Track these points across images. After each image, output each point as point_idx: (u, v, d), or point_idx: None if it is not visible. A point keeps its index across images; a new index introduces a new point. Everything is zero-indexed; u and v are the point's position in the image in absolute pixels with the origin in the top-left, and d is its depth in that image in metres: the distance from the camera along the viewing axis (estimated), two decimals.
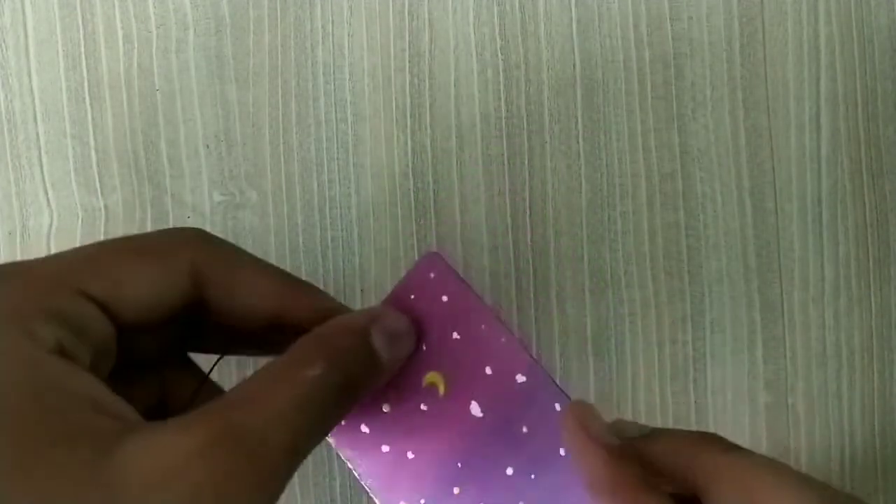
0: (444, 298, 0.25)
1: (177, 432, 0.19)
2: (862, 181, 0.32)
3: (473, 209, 0.31)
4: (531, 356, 0.24)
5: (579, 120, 0.31)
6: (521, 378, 0.24)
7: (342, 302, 0.26)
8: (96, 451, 0.18)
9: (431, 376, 0.25)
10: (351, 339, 0.23)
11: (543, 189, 0.31)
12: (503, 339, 0.24)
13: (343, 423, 0.25)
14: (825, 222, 0.32)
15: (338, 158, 0.31)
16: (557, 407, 0.24)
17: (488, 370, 0.24)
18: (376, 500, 0.25)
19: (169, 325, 0.24)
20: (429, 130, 0.31)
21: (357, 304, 0.31)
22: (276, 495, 0.20)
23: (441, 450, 0.25)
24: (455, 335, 0.25)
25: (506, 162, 0.31)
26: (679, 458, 0.23)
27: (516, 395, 0.24)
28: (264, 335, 0.25)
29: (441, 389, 0.25)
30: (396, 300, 0.25)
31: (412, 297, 0.25)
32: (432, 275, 0.25)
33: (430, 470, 0.25)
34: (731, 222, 0.31)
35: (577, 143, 0.31)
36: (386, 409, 0.25)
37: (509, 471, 0.24)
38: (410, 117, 0.31)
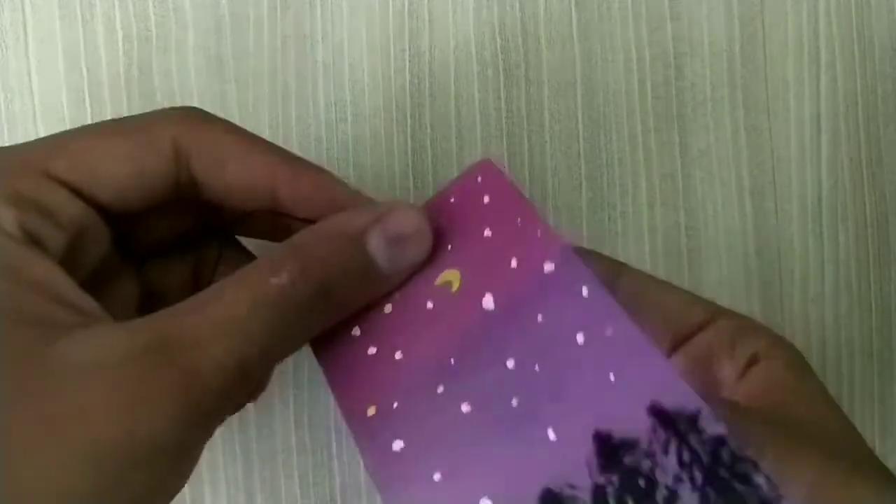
0: (486, 199, 0.22)
1: (120, 332, 0.18)
2: (862, 181, 0.32)
3: None
4: (566, 243, 0.20)
5: (579, 120, 0.31)
6: (549, 266, 0.20)
7: None
8: (41, 339, 0.17)
9: (448, 274, 0.22)
10: (335, 245, 0.20)
11: (543, 189, 0.31)
12: (539, 232, 0.20)
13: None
14: (825, 222, 0.32)
15: (338, 158, 0.31)
16: (585, 291, 0.19)
17: (513, 262, 0.21)
18: (340, 411, 0.21)
19: (166, 210, 0.22)
20: (429, 130, 0.31)
21: None
22: (204, 428, 0.18)
23: (436, 346, 0.21)
24: (487, 232, 0.21)
25: (506, 162, 0.31)
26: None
27: (539, 284, 0.20)
28: (267, 222, 0.23)
29: (455, 286, 0.21)
30: (434, 206, 0.22)
31: (451, 199, 0.22)
32: (479, 178, 0.22)
33: (415, 369, 0.21)
34: (731, 222, 0.31)
35: (577, 143, 0.31)
36: (388, 309, 0.22)
37: (510, 363, 0.20)
38: (410, 117, 0.31)
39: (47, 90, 0.31)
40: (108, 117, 0.30)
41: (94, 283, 0.21)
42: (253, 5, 0.31)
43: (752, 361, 0.23)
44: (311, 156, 0.31)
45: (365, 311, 0.22)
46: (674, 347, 0.24)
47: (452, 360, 0.20)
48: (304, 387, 0.31)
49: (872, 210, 0.32)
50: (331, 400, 0.30)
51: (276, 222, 0.23)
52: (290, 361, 0.31)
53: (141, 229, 0.23)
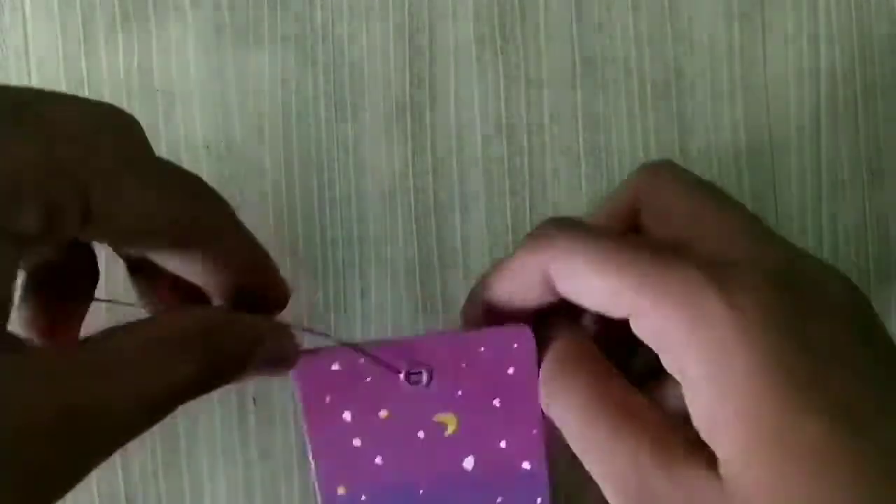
0: (511, 370, 0.24)
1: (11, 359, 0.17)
2: (862, 181, 0.32)
3: (473, 209, 0.31)
4: (546, 454, 0.25)
5: (579, 120, 0.31)
6: (526, 465, 0.25)
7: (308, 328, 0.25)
8: None
9: (447, 417, 0.25)
10: (241, 349, 0.21)
11: (543, 189, 0.31)
12: (535, 431, 0.24)
13: (327, 404, 0.24)
14: (825, 222, 0.32)
15: (338, 158, 0.31)
16: (539, 501, 0.25)
17: (503, 444, 0.25)
18: (314, 476, 0.24)
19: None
20: (429, 130, 0.31)
21: (357, 305, 0.31)
22: (101, 445, 0.18)
23: (412, 471, 0.25)
24: (496, 402, 0.24)
25: (506, 162, 0.31)
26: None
27: (512, 477, 0.25)
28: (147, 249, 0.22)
29: (449, 430, 0.25)
30: (462, 341, 0.24)
31: (482, 349, 0.24)
32: (515, 345, 0.24)
33: (389, 478, 0.25)
34: None
35: (577, 143, 0.31)
36: (383, 414, 0.24)
37: None
38: (410, 117, 0.31)
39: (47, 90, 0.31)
40: None
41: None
42: (253, 5, 0.31)
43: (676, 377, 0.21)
44: (311, 156, 0.31)
45: (360, 403, 0.24)
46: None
47: (421, 491, 0.25)
48: None
49: (872, 210, 0.32)
50: None
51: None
52: None
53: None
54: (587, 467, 0.22)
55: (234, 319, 0.21)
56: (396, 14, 0.31)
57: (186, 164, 0.31)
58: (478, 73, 0.31)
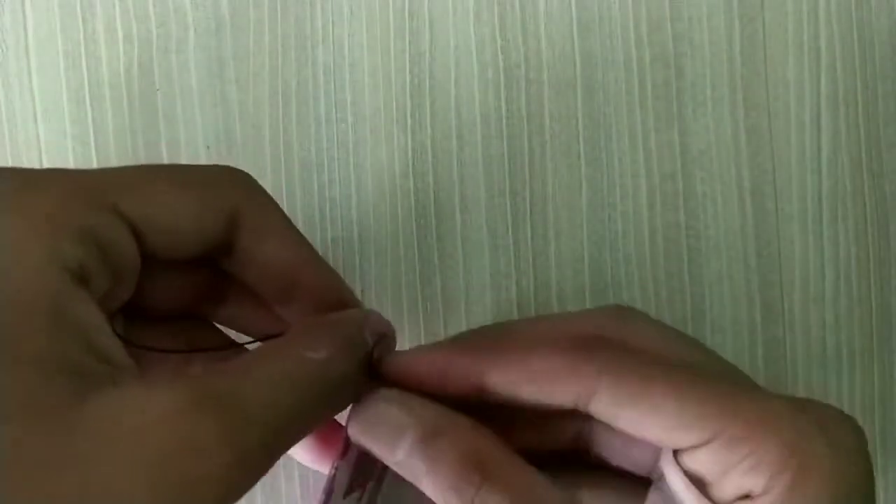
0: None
1: (158, 388, 0.17)
2: (862, 181, 0.32)
3: (473, 209, 0.31)
4: None
5: (579, 120, 0.31)
6: None
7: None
8: (74, 394, 0.16)
9: None
10: (354, 330, 0.22)
11: (543, 189, 0.31)
12: None
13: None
14: (825, 222, 0.32)
15: (338, 158, 0.31)
16: None
17: None
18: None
19: (194, 268, 0.22)
20: (429, 130, 0.31)
21: None
22: (252, 475, 0.18)
23: None
24: None
25: (506, 162, 0.31)
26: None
27: None
28: (274, 300, 0.24)
29: None
30: None
31: None
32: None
33: None
34: (731, 222, 0.31)
35: (577, 143, 0.31)
36: None
37: None
38: (410, 117, 0.31)
39: (47, 90, 0.31)
40: (109, 117, 0.31)
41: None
42: (253, 5, 0.31)
43: (743, 497, 0.20)
44: (311, 155, 0.31)
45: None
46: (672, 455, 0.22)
47: None
48: None
49: (872, 210, 0.32)
50: None
51: (264, 311, 0.24)
52: None
53: (166, 282, 0.23)
54: None
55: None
56: (396, 14, 0.31)
57: (186, 163, 0.31)
58: (478, 72, 0.31)
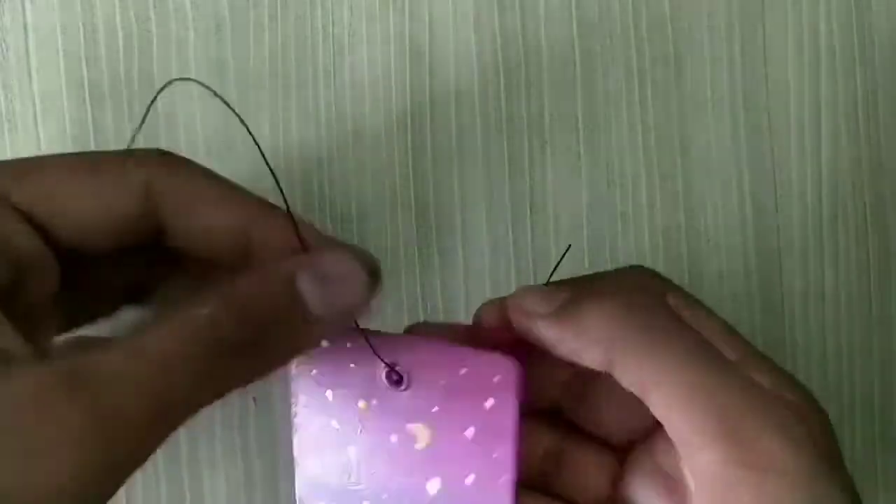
0: (488, 404, 0.23)
1: (26, 370, 0.16)
2: (862, 181, 0.32)
3: (473, 209, 0.31)
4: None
5: (579, 120, 0.31)
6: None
7: None
8: None
9: (421, 429, 0.24)
10: (262, 284, 0.19)
11: (543, 189, 0.31)
12: (505, 478, 0.23)
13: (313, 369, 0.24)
14: (825, 222, 0.32)
15: (338, 158, 0.31)
16: None
17: (469, 480, 0.23)
18: (296, 454, 0.25)
19: (128, 253, 0.21)
20: (429, 130, 0.31)
21: None
22: (124, 460, 0.17)
23: (380, 473, 0.24)
24: (469, 432, 0.23)
25: (506, 162, 0.31)
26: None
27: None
28: (234, 264, 0.22)
29: (420, 444, 0.24)
30: (444, 353, 0.23)
31: (462, 370, 0.23)
32: (496, 378, 0.23)
33: (357, 475, 0.24)
34: (731, 222, 0.31)
35: (577, 143, 0.31)
36: (361, 405, 0.24)
37: None
38: (410, 117, 0.31)
39: (47, 90, 0.31)
40: (109, 117, 0.31)
41: (28, 317, 0.20)
42: (253, 5, 0.31)
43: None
44: (311, 155, 0.31)
45: (342, 388, 0.24)
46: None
47: (385, 496, 0.24)
48: None
49: (872, 210, 0.32)
50: None
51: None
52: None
53: (91, 272, 0.22)
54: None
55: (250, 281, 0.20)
56: (396, 15, 0.31)
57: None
58: (478, 72, 0.31)
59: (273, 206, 0.22)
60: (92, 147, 0.31)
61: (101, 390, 0.16)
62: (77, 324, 0.23)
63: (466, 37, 0.31)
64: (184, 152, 0.31)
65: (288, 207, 0.22)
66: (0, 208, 0.19)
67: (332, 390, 0.24)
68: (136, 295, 0.24)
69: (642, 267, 0.24)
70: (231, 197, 0.22)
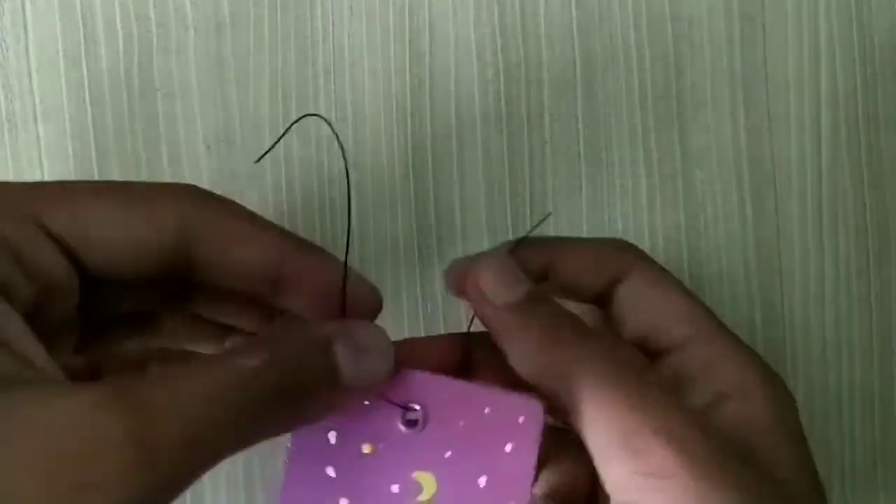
0: (508, 448, 0.22)
1: (68, 388, 0.16)
2: (862, 181, 0.32)
3: (473, 209, 0.31)
4: None
5: (579, 120, 0.31)
6: None
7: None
8: None
9: (426, 478, 0.23)
10: (304, 344, 0.20)
11: (543, 189, 0.31)
12: None
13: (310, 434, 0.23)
14: (825, 222, 0.32)
15: (338, 158, 0.31)
16: None
17: None
18: (286, 482, 0.24)
19: (155, 282, 0.22)
20: (429, 130, 0.31)
21: None
22: (159, 481, 0.17)
23: None
24: (482, 481, 0.22)
25: (506, 162, 0.31)
26: (589, 265, 0.25)
27: None
28: (264, 297, 0.23)
29: (424, 496, 0.23)
30: (469, 393, 0.23)
31: (486, 410, 0.22)
32: (521, 419, 0.22)
33: None
34: (731, 222, 0.31)
35: (577, 143, 0.31)
36: (366, 449, 0.23)
37: None
38: (410, 117, 0.31)
39: (47, 90, 0.31)
40: (109, 117, 0.31)
41: (47, 337, 0.20)
42: (253, 5, 0.31)
43: (720, 397, 0.23)
44: (311, 155, 0.31)
45: (347, 429, 0.23)
46: (652, 358, 0.24)
47: None
48: None
49: (872, 210, 0.32)
50: None
51: (260, 313, 0.24)
52: None
53: (110, 296, 0.22)
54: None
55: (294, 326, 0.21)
56: (396, 14, 0.31)
57: (186, 163, 0.31)
58: (478, 72, 0.31)
59: (306, 243, 0.23)
60: (91, 147, 0.31)
61: (150, 423, 0.16)
62: (85, 345, 0.24)
63: (466, 37, 0.31)
64: (184, 152, 0.31)
65: (346, 260, 0.23)
66: (32, 230, 0.19)
67: (337, 431, 0.23)
68: (138, 321, 0.25)
69: (621, 240, 0.26)
70: (265, 233, 0.22)
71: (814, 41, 0.32)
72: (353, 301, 0.23)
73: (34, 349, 0.18)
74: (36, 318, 0.19)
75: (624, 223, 0.31)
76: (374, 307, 0.24)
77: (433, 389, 0.23)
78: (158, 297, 0.24)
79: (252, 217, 0.22)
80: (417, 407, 0.23)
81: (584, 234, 0.31)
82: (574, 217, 0.31)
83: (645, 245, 0.31)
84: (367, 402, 0.23)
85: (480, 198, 0.31)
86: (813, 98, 0.32)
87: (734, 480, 0.20)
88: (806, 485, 0.22)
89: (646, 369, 0.24)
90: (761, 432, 0.22)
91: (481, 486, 0.22)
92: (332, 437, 0.23)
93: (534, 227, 0.27)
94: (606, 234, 0.31)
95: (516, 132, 0.31)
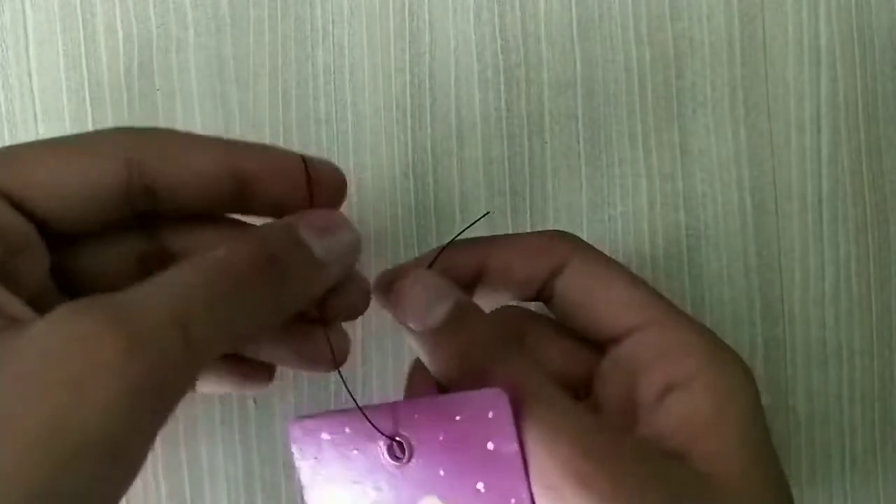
0: (491, 446, 0.22)
1: (50, 315, 0.17)
2: (862, 181, 0.32)
3: (473, 209, 0.31)
4: None
5: (579, 120, 0.31)
6: None
7: None
8: None
9: (432, 500, 0.23)
10: (269, 230, 0.21)
11: (543, 189, 0.31)
12: None
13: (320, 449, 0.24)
14: (825, 222, 0.32)
15: (338, 158, 0.31)
16: None
17: None
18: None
19: (123, 233, 0.22)
20: (429, 130, 0.31)
21: None
22: (160, 387, 0.17)
23: None
24: (480, 486, 0.22)
25: (506, 162, 0.31)
26: (527, 258, 0.25)
27: None
28: (233, 210, 0.23)
29: None
30: (436, 406, 0.23)
31: (457, 417, 0.23)
32: (491, 414, 0.22)
33: None
34: (731, 222, 0.31)
35: (577, 143, 0.31)
36: (371, 495, 0.24)
37: None
38: (410, 117, 0.31)
39: (47, 90, 0.31)
40: (109, 117, 0.31)
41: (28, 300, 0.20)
42: (253, 5, 0.31)
43: (668, 388, 0.22)
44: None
45: (351, 481, 0.24)
46: (604, 349, 0.24)
47: None
48: (304, 388, 0.31)
49: (872, 210, 0.32)
50: (333, 400, 0.30)
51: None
52: None
53: (81, 256, 0.23)
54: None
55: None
56: (396, 14, 0.31)
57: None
58: (478, 72, 0.31)
59: (257, 145, 0.23)
60: None
61: (131, 312, 0.17)
62: None
63: (466, 37, 0.31)
64: None
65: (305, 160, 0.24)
66: None
67: (341, 488, 0.24)
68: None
69: (557, 231, 0.26)
70: (213, 142, 0.22)
71: (814, 41, 0.32)
72: (320, 189, 0.23)
73: (9, 301, 0.18)
74: (8, 280, 0.19)
75: (624, 223, 0.31)
76: (339, 187, 0.25)
77: (406, 415, 0.23)
78: (129, 251, 0.24)
79: (195, 135, 0.23)
80: (403, 435, 0.23)
81: (584, 234, 0.31)
82: (574, 217, 0.31)
83: (645, 245, 0.31)
84: (355, 451, 0.23)
85: (480, 198, 0.31)
86: (813, 98, 0.32)
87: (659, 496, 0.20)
88: (749, 481, 0.21)
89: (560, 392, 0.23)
90: (701, 426, 0.22)
91: (482, 491, 0.22)
92: (345, 497, 0.24)
93: (467, 228, 0.27)
94: (606, 233, 0.31)
95: (516, 132, 0.31)
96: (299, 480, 0.24)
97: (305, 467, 0.24)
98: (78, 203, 0.21)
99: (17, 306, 0.18)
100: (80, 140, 0.21)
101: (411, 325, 0.23)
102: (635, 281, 0.24)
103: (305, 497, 0.25)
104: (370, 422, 0.23)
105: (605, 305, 0.24)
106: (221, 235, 0.24)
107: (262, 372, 0.27)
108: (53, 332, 0.16)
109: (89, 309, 0.17)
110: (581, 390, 0.25)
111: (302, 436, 0.24)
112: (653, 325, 0.23)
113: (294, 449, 0.24)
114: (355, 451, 0.23)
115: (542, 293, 0.25)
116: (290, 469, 0.31)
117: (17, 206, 0.20)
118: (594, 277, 0.24)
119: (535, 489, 0.21)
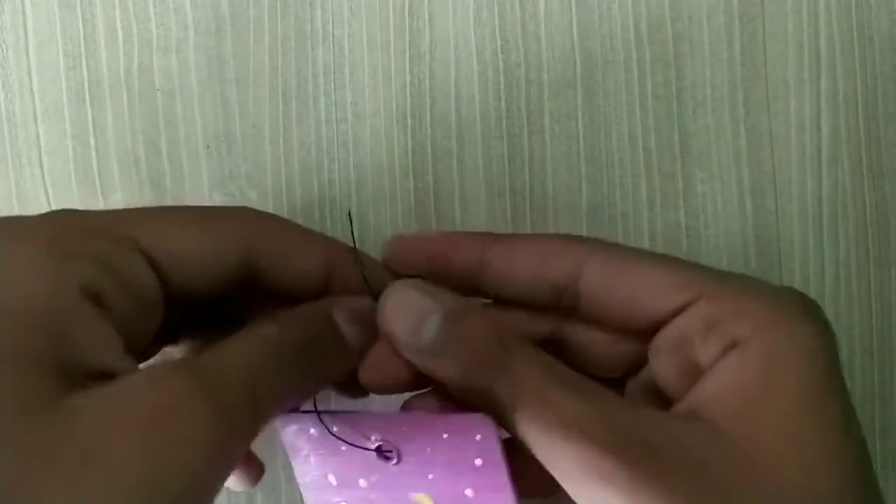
0: (478, 462, 0.23)
1: (141, 372, 0.19)
2: (862, 181, 0.32)
3: (473, 209, 0.31)
4: None
5: (579, 120, 0.31)
6: None
7: None
8: (59, 388, 0.18)
9: (423, 497, 0.24)
10: (307, 311, 0.24)
11: (543, 189, 0.31)
12: None
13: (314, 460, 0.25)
14: (825, 222, 0.32)
15: (338, 158, 0.31)
16: None
17: None
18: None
19: (220, 293, 0.24)
20: (429, 130, 0.31)
21: None
22: (235, 432, 0.20)
23: None
24: (469, 492, 0.24)
25: (506, 162, 0.31)
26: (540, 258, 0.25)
27: None
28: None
29: None
30: (423, 423, 0.24)
31: (444, 435, 0.23)
32: (478, 437, 0.23)
33: None
34: (731, 222, 0.31)
35: (577, 143, 0.31)
36: (363, 483, 0.25)
37: None
38: (410, 117, 0.31)
39: (47, 90, 0.31)
40: (109, 117, 0.31)
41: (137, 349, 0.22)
42: (253, 5, 0.31)
43: (728, 348, 0.22)
44: (311, 155, 0.31)
45: (341, 469, 0.25)
46: (652, 332, 0.24)
47: None
48: None
49: (872, 210, 0.32)
50: (333, 400, 0.30)
51: None
52: None
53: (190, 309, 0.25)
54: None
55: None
56: (396, 14, 0.31)
57: (186, 163, 0.31)
58: (478, 72, 0.31)
59: (345, 246, 0.26)
60: (92, 147, 0.31)
61: (217, 386, 0.20)
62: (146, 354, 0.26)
63: (466, 37, 0.31)
64: (184, 152, 0.31)
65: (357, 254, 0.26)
66: (131, 251, 0.22)
67: (333, 475, 0.25)
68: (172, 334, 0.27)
69: (567, 235, 0.26)
70: (316, 245, 0.25)
71: (814, 41, 0.32)
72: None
73: (120, 357, 0.20)
74: (127, 334, 0.21)
75: (624, 223, 0.31)
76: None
77: (396, 426, 0.24)
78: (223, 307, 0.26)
79: (305, 231, 0.26)
80: (387, 442, 0.24)
81: (584, 235, 0.31)
82: (574, 218, 0.31)
83: (645, 245, 0.31)
84: (343, 448, 0.25)
85: (480, 198, 0.31)
86: (813, 98, 0.32)
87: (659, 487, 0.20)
88: (803, 471, 0.20)
89: (570, 383, 0.23)
90: (747, 399, 0.21)
91: (470, 496, 0.23)
92: (333, 479, 0.25)
93: (352, 223, 0.29)
94: (606, 234, 0.31)
95: (516, 132, 0.31)
96: (297, 478, 0.25)
97: (298, 462, 0.25)
98: (200, 273, 0.23)
99: (125, 362, 0.20)
100: (210, 218, 0.24)
101: (404, 354, 0.24)
102: (671, 262, 0.24)
103: (303, 492, 0.25)
104: (350, 443, 0.24)
105: (643, 293, 0.23)
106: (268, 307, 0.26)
107: (254, 468, 0.29)
108: (154, 390, 0.19)
109: (183, 374, 0.19)
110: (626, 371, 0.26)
111: (293, 431, 0.25)
112: (700, 299, 0.23)
113: (286, 443, 0.25)
114: (345, 448, 0.24)
115: (563, 302, 0.25)
116: (289, 470, 0.31)
117: (153, 266, 0.22)
118: (622, 270, 0.24)
119: (565, 487, 0.21)
